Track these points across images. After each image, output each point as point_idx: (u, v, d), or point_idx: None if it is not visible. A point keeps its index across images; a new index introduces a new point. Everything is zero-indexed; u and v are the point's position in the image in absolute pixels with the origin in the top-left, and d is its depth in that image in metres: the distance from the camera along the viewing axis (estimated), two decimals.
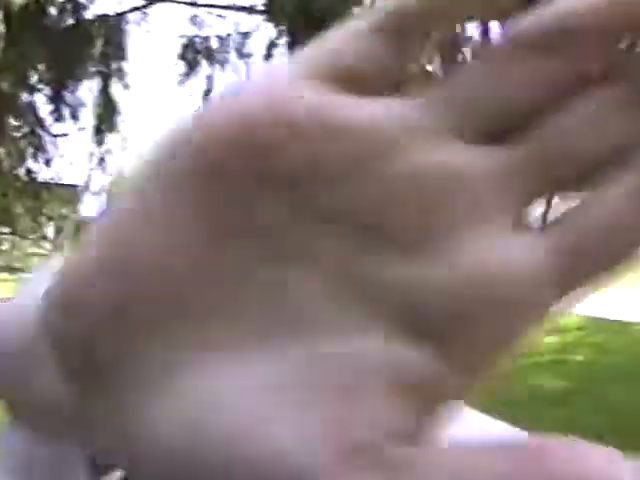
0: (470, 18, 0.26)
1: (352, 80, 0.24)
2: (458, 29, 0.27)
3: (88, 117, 10.68)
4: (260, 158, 0.23)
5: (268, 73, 0.25)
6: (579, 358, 5.77)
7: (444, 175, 0.23)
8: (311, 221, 0.23)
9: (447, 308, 0.23)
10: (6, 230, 13.68)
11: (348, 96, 0.24)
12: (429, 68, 0.27)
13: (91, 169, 11.90)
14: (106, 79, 10.83)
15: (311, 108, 0.23)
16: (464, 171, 0.23)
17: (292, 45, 8.71)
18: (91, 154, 11.53)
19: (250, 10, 10.04)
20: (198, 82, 10.94)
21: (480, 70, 0.25)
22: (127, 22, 10.78)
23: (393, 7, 0.25)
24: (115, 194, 0.25)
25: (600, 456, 0.21)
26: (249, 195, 0.23)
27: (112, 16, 10.63)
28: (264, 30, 9.67)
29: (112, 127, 11.13)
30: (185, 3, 10.66)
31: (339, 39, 0.25)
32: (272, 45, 9.62)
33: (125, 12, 10.79)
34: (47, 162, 11.19)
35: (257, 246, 0.24)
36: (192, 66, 10.73)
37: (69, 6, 10.16)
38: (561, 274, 0.23)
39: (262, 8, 9.64)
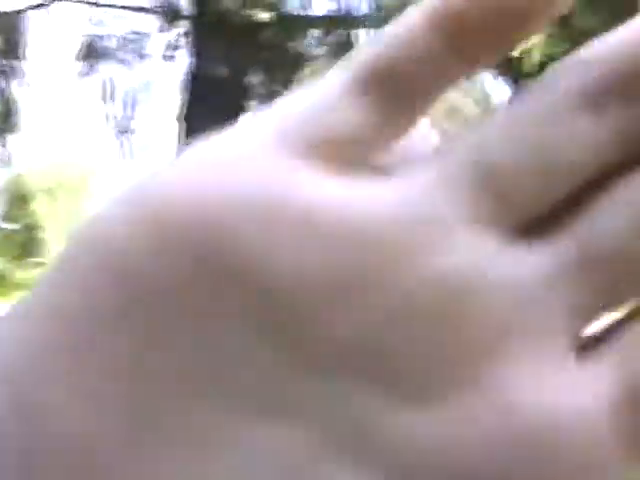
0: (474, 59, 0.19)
1: (342, 153, 0.19)
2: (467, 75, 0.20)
3: None
4: (234, 276, 0.17)
5: (237, 143, 0.19)
6: None
7: (473, 289, 0.18)
8: (298, 366, 0.18)
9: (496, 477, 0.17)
10: None
11: (344, 182, 0.18)
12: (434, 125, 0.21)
13: None
14: (5, 78, 10.69)
15: (308, 207, 0.18)
16: (501, 281, 0.18)
17: (193, 47, 8.76)
18: None
19: (150, 11, 10.05)
20: (97, 82, 10.86)
21: (517, 126, 0.18)
22: (26, 20, 10.66)
23: (374, 55, 0.19)
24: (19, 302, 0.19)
25: None
26: (213, 331, 0.18)
27: (10, 13, 10.50)
28: (164, 31, 9.68)
29: (12, 127, 10.97)
30: (85, 2, 10.59)
31: (320, 100, 0.19)
32: (172, 47, 9.64)
33: (24, 10, 10.67)
34: None
35: (222, 404, 0.18)
36: (91, 65, 10.66)
37: None
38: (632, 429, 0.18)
39: (161, 9, 9.66)
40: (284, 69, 8.00)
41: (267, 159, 0.18)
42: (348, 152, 0.19)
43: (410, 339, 0.17)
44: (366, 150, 0.19)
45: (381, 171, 0.19)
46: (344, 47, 8.14)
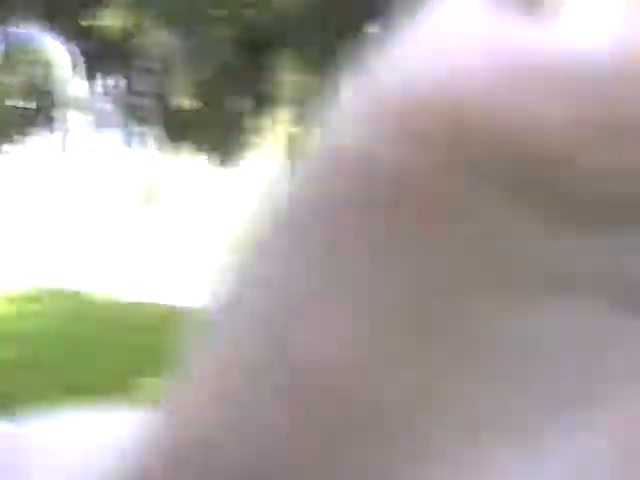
0: None
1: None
2: None
3: None
4: (493, 150, 0.15)
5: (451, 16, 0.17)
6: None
7: None
8: (570, 230, 0.16)
9: None
10: None
11: (560, 27, 0.16)
12: None
13: None
14: None
15: (547, 56, 0.15)
16: None
17: None
18: None
19: None
20: None
21: None
22: None
23: None
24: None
25: None
26: (482, 214, 0.16)
27: None
28: None
29: None
30: None
31: None
32: None
33: None
34: None
35: (499, 288, 0.16)
36: None
37: None
38: None
39: None
40: None
41: (488, 22, 0.16)
42: None
43: None
44: None
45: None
46: None
